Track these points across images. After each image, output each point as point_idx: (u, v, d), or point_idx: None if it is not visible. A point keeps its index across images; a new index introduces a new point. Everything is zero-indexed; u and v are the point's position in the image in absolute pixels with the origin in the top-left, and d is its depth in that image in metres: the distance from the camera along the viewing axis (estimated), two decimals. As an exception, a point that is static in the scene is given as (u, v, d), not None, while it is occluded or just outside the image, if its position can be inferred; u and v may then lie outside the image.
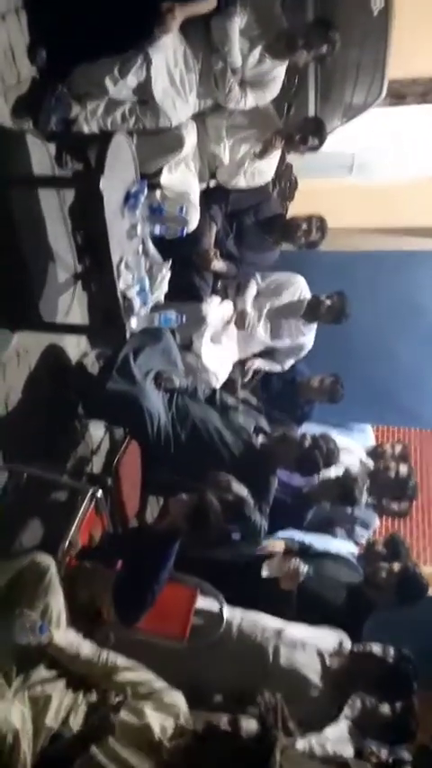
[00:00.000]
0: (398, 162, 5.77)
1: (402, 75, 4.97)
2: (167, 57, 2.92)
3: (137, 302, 2.71)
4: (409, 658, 2.59)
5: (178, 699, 2.00)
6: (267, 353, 4.12)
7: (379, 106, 4.46)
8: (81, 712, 1.93)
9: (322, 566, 3.09)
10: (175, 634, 2.47)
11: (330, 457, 3.11)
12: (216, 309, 3.66)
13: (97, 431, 3.32)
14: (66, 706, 1.93)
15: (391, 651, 2.60)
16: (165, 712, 1.93)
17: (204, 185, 3.57)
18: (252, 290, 3.91)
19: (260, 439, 3.14)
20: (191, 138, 3.20)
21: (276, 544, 3.11)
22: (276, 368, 4.18)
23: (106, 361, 3.00)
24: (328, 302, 3.96)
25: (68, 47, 2.85)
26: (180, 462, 2.93)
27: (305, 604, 2.85)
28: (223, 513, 2.41)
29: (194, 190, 3.35)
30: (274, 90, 3.34)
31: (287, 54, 3.18)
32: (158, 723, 1.89)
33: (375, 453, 4.18)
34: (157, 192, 3.16)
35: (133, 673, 2.03)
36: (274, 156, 3.65)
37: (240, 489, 2.61)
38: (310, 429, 3.68)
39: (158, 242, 3.01)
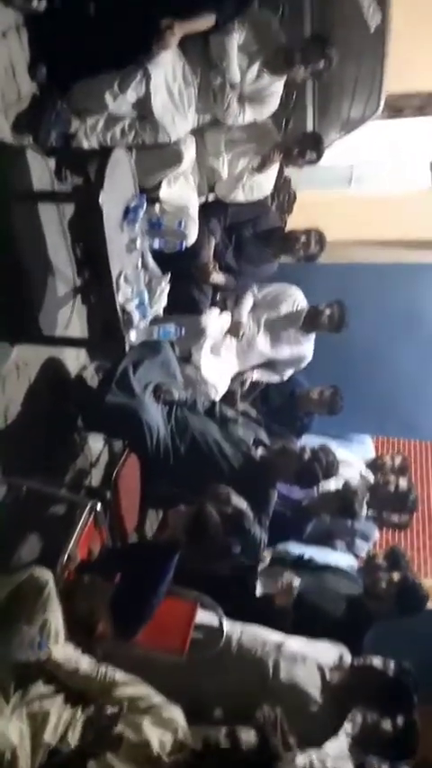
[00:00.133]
0: (395, 174, 5.82)
1: (399, 88, 5.02)
2: (166, 72, 2.95)
3: (136, 315, 2.72)
4: (409, 671, 2.57)
5: (177, 714, 1.99)
6: (266, 364, 4.13)
7: (376, 119, 4.50)
8: (79, 728, 1.92)
9: (323, 578, 3.08)
10: (175, 648, 2.45)
11: (330, 469, 3.11)
12: (215, 322, 3.67)
13: (96, 443, 3.32)
14: (64, 721, 1.92)
15: (392, 664, 2.58)
16: (163, 727, 1.93)
17: (203, 199, 3.60)
18: (248, 302, 3.93)
19: (259, 451, 3.13)
20: (190, 152, 3.22)
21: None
22: (275, 378, 4.18)
23: (105, 374, 3.00)
24: (328, 311, 3.97)
25: (68, 63, 2.87)
26: (179, 475, 2.93)
27: (305, 617, 2.84)
28: (223, 526, 2.41)
29: (193, 204, 3.37)
30: (272, 105, 3.38)
31: (285, 70, 3.22)
32: (157, 738, 1.88)
33: (375, 466, 4.17)
34: (157, 206, 3.18)
35: (132, 687, 2.02)
36: (273, 170, 3.68)
37: (240, 502, 2.61)
38: (309, 441, 3.68)
39: (157, 255, 3.03)
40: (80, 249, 3.02)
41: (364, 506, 3.59)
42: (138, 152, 2.99)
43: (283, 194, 4.55)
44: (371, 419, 4.89)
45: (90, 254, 2.90)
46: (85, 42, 2.83)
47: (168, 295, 3.04)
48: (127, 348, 2.78)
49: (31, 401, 2.87)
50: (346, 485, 3.57)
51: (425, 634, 3.53)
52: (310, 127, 4.11)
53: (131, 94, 2.90)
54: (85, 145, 3.00)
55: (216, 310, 3.72)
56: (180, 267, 3.22)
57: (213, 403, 3.25)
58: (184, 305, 3.46)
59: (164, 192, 3.20)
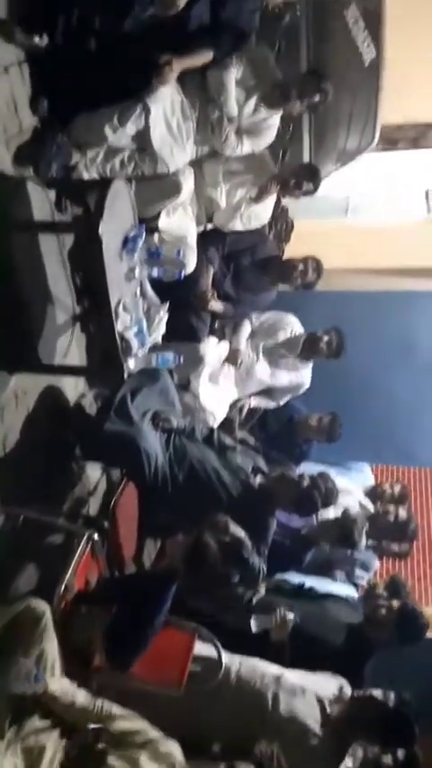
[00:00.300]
0: (391, 205, 5.89)
1: (394, 120, 5.11)
2: (165, 106, 3.01)
3: (135, 343, 2.74)
4: (409, 702, 2.53)
5: (174, 748, 1.96)
6: (264, 391, 4.14)
7: (372, 151, 4.57)
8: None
9: (324, 606, 3.05)
10: (172, 681, 2.41)
11: (329, 496, 3.10)
12: (213, 349, 3.69)
13: (94, 472, 3.31)
14: (60, 756, 1.89)
15: (392, 695, 2.55)
16: (160, 762, 1.90)
17: (201, 228, 3.64)
18: (246, 329, 3.95)
19: (258, 479, 3.12)
20: (188, 183, 3.27)
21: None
22: (272, 404, 4.18)
23: (104, 402, 3.01)
24: (326, 338, 3.99)
25: (70, 97, 2.93)
26: (177, 503, 2.91)
27: (305, 648, 2.80)
28: (221, 555, 2.39)
29: (192, 233, 3.41)
30: (269, 137, 3.44)
31: (281, 103, 3.29)
32: (154, 773, 1.85)
33: (374, 494, 4.16)
34: (155, 236, 3.22)
35: (128, 722, 2.00)
36: (270, 200, 3.72)
37: (238, 531, 2.59)
38: (308, 469, 3.67)
39: (156, 284, 3.05)
40: (79, 278, 3.04)
41: (364, 536, 3.57)
42: (137, 183, 3.04)
43: (281, 223, 4.61)
44: (368, 447, 4.89)
45: (89, 283, 2.92)
46: (85, 77, 2.89)
47: (167, 323, 3.06)
48: (125, 376, 2.79)
49: (29, 430, 2.87)
50: (346, 513, 3.55)
51: (425, 664, 3.49)
52: (306, 158, 4.17)
53: (131, 127, 2.96)
54: (86, 176, 3.05)
55: (214, 338, 3.74)
56: (179, 295, 3.24)
57: (212, 430, 3.25)
58: (183, 333, 3.48)
59: (163, 222, 3.24)
